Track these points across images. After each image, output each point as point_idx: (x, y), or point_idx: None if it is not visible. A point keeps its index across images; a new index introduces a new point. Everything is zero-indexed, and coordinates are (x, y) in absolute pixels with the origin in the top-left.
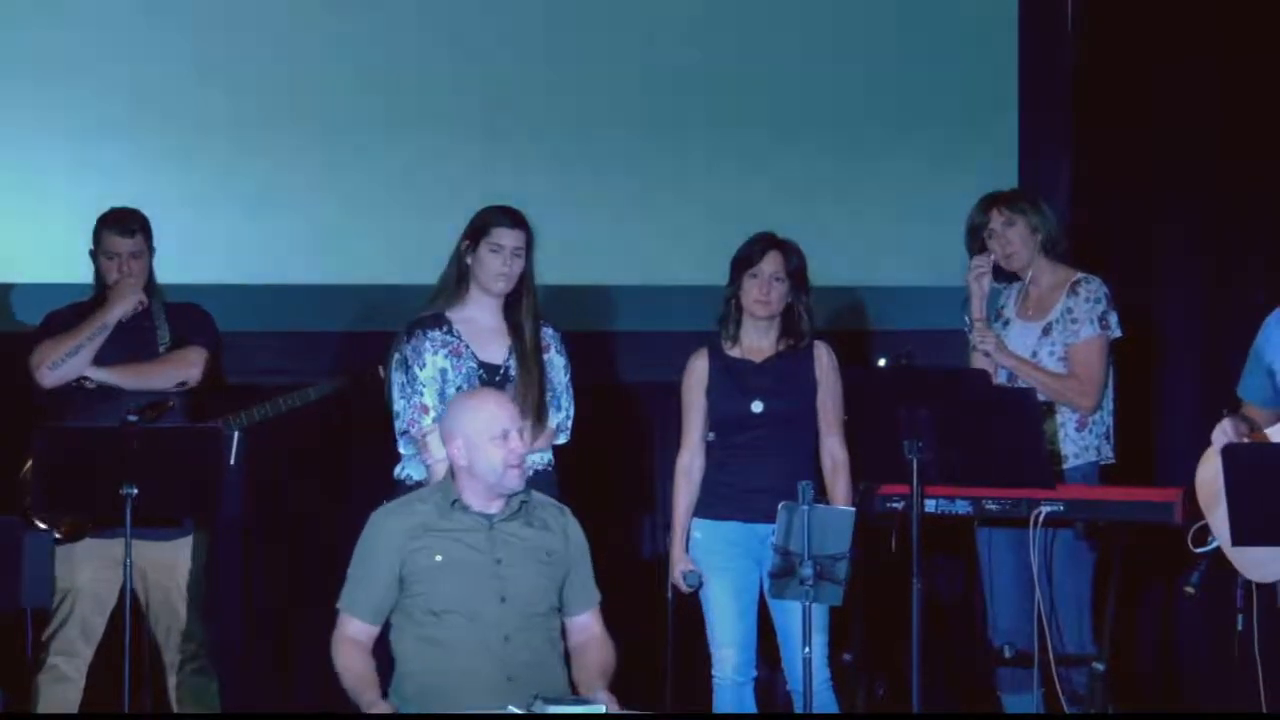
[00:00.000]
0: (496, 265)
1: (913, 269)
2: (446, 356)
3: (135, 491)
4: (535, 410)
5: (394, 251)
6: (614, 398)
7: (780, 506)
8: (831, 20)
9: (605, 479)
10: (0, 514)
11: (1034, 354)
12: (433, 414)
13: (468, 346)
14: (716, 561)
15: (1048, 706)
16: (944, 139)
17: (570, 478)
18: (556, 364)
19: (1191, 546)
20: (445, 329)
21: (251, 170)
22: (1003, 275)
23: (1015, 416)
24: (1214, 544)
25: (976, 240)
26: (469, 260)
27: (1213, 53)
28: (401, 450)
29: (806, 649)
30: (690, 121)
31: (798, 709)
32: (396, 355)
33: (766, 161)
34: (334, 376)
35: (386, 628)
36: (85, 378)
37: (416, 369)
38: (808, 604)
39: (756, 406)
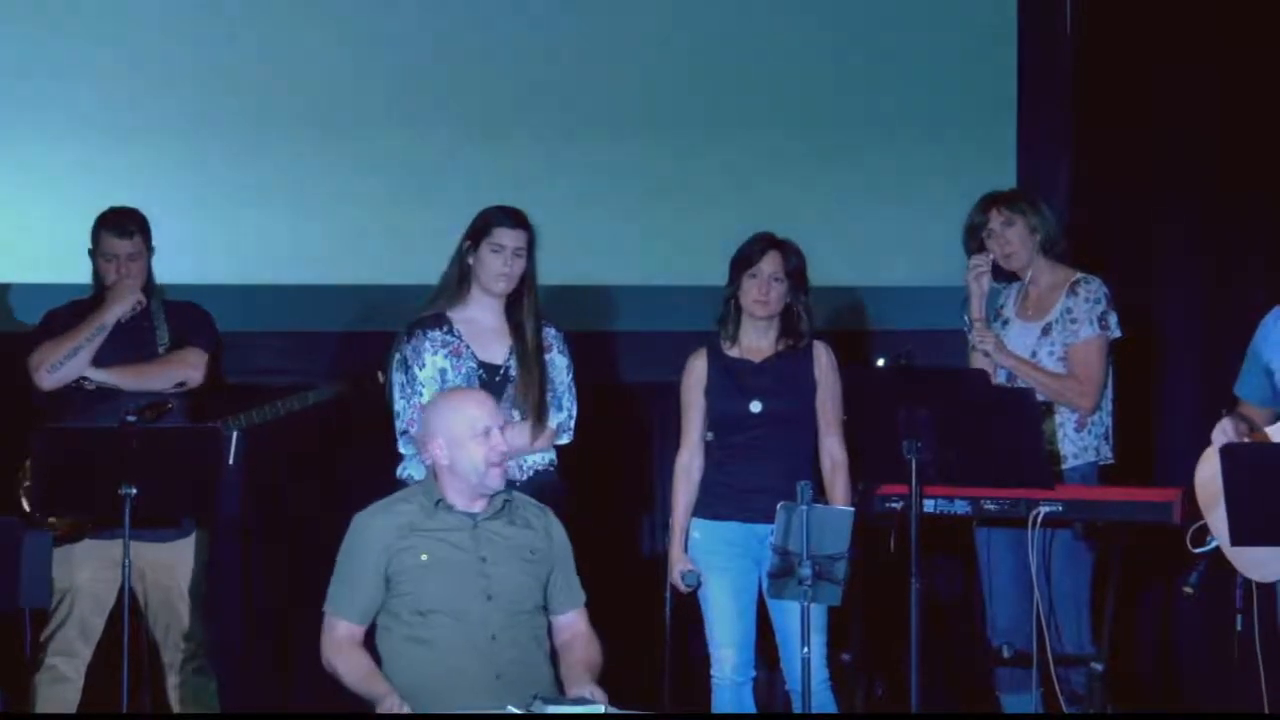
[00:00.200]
0: (497, 265)
1: (912, 269)
2: (446, 356)
3: (134, 492)
4: (535, 410)
5: (394, 252)
6: (615, 398)
7: (779, 506)
8: (831, 21)
9: (606, 479)
10: (0, 514)
11: (1033, 354)
12: None
13: (468, 346)
14: (715, 561)
15: (1046, 707)
16: (943, 139)
17: (571, 477)
18: (558, 364)
19: (1190, 547)
20: (446, 329)
21: (251, 170)
22: (1002, 275)
23: (1014, 416)
24: (1213, 544)
25: (975, 239)
26: (470, 260)
27: (1212, 52)
28: (402, 450)
29: (805, 649)
30: (691, 122)
31: (796, 709)
32: (397, 355)
33: (766, 161)
34: (332, 382)
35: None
36: (84, 378)
37: (416, 369)
38: (806, 604)
39: (755, 406)
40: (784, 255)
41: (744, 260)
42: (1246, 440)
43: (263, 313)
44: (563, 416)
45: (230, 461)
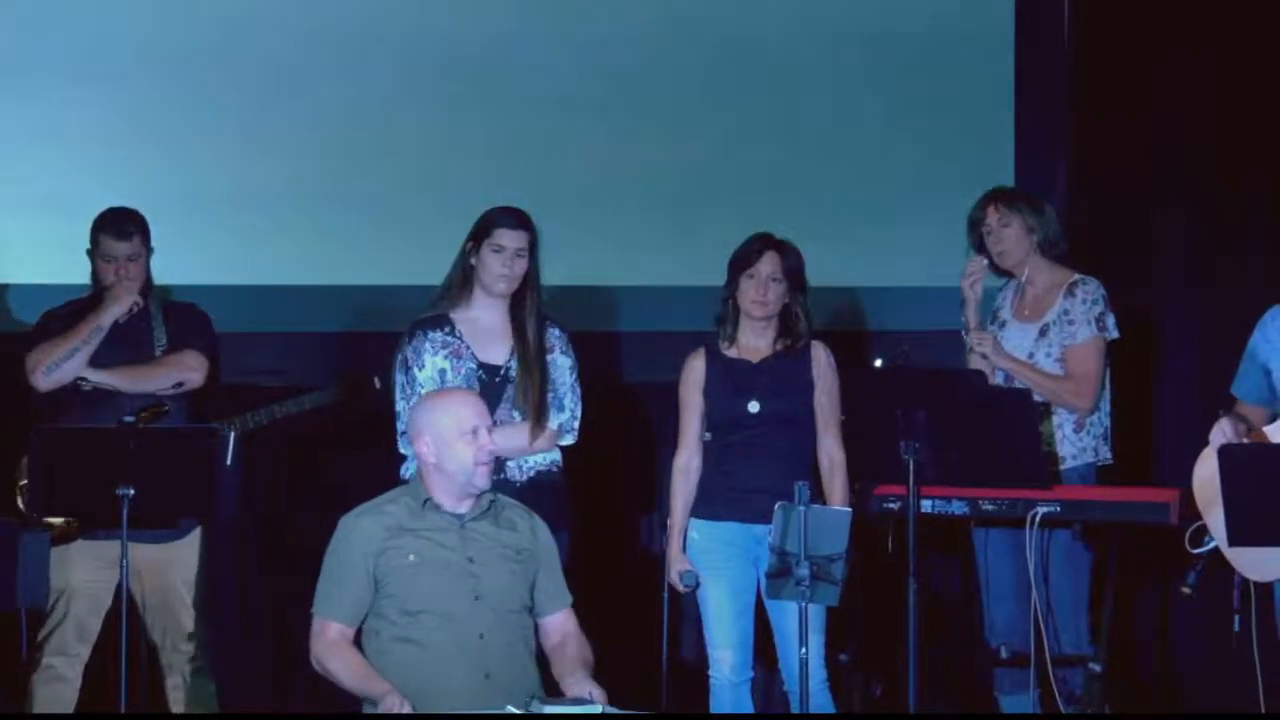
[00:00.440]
0: (498, 266)
1: (910, 269)
2: (446, 357)
3: (132, 493)
4: (535, 411)
5: (394, 252)
6: (616, 398)
7: (777, 507)
8: (830, 22)
9: (608, 479)
10: None
11: (1030, 355)
12: None
13: (468, 347)
14: (713, 562)
15: (1045, 707)
16: (941, 139)
17: (573, 477)
18: (561, 365)
19: (1189, 547)
20: (447, 329)
21: (251, 171)
22: (1003, 271)
23: (1012, 417)
24: (1211, 544)
25: (975, 234)
26: (473, 261)
27: (1211, 52)
28: (403, 451)
29: (803, 649)
30: (691, 122)
31: (794, 709)
32: (399, 356)
33: (766, 162)
34: (329, 386)
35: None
36: (82, 379)
37: (416, 370)
38: (804, 604)
39: (753, 406)
40: (782, 256)
41: (742, 261)
42: (1245, 440)
43: (261, 313)
44: (565, 417)
45: (228, 462)
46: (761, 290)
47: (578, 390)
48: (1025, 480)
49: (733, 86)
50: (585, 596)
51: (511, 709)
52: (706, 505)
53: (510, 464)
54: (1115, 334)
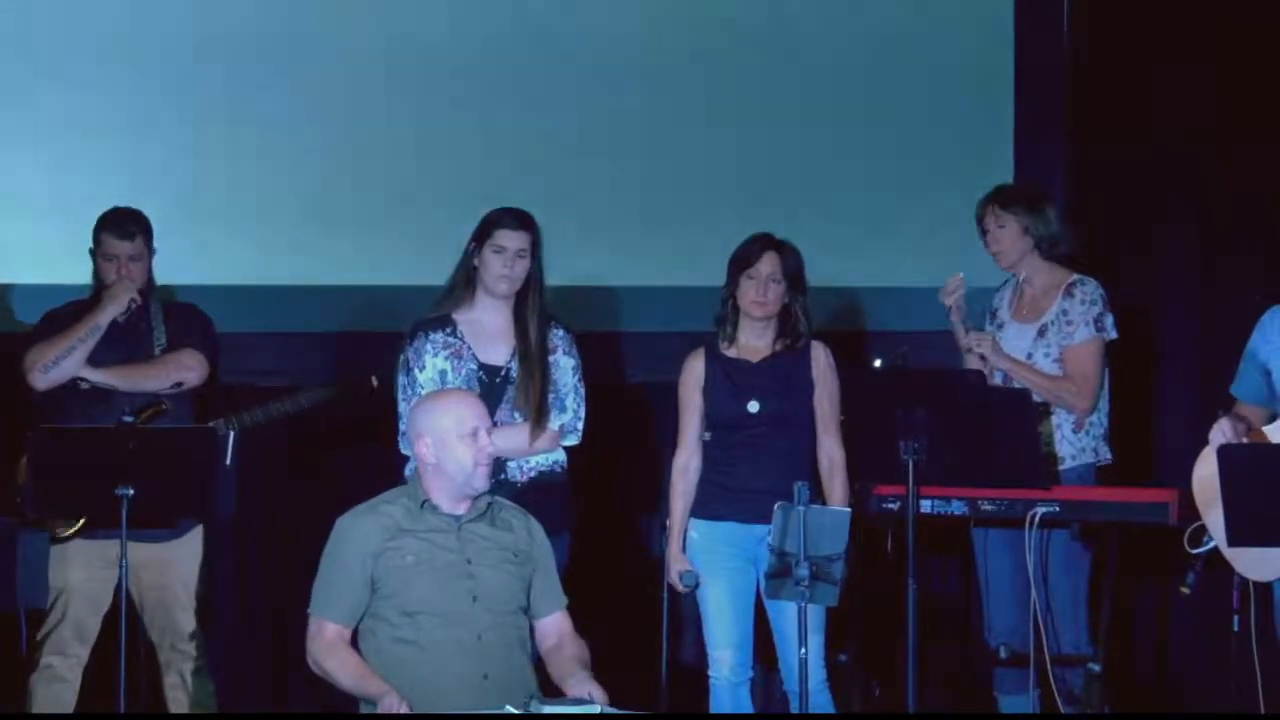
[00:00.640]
0: (498, 267)
1: (909, 270)
2: (447, 358)
3: (131, 493)
4: (535, 411)
5: (394, 252)
6: (619, 398)
7: (776, 507)
8: (829, 22)
9: (610, 479)
10: None
11: (1029, 355)
12: None
13: (469, 348)
14: (713, 562)
15: (1044, 707)
16: (941, 140)
17: (575, 477)
18: (564, 365)
19: (1188, 547)
20: (449, 330)
21: (251, 171)
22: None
23: (1011, 417)
24: (1210, 544)
25: (980, 230)
26: (475, 262)
27: (1210, 53)
28: (405, 452)
29: (803, 649)
30: (691, 123)
31: (794, 709)
32: (401, 357)
33: (765, 162)
34: (327, 384)
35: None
36: (81, 379)
37: (416, 371)
38: (804, 604)
39: (753, 407)
40: (782, 256)
41: (742, 261)
42: (1244, 440)
43: (261, 313)
44: (567, 417)
45: (227, 463)
46: (761, 290)
47: (581, 391)
48: (1024, 480)
49: (733, 87)
50: (586, 596)
51: (510, 709)
52: (706, 505)
53: (511, 464)
54: (1114, 334)
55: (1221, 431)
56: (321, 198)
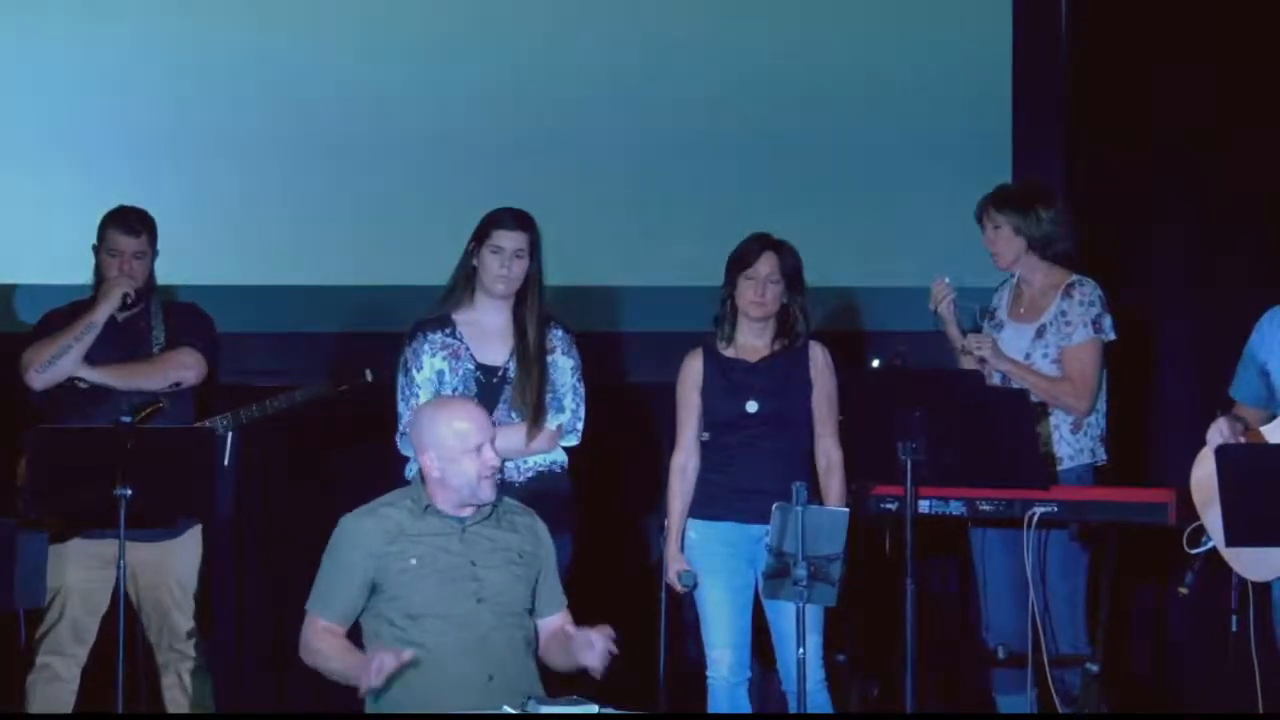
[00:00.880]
0: (495, 267)
1: (908, 270)
2: (445, 358)
3: (130, 493)
4: (533, 411)
5: (394, 252)
6: (618, 398)
7: (775, 507)
8: (828, 22)
9: (610, 479)
10: None
11: (1027, 356)
12: None
13: (467, 348)
14: (711, 562)
15: (1042, 707)
16: (939, 140)
17: (575, 477)
18: (562, 365)
19: (1186, 547)
20: (448, 331)
21: (250, 171)
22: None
23: (1009, 417)
24: (1208, 544)
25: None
26: (474, 262)
27: (1209, 53)
28: (404, 452)
29: (801, 649)
30: (690, 122)
31: (792, 710)
32: (401, 357)
33: (765, 162)
34: (320, 380)
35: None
36: (78, 378)
37: (414, 371)
38: (802, 604)
39: (751, 407)
40: (780, 256)
41: (740, 261)
42: (1242, 440)
43: (260, 313)
44: (565, 417)
45: (225, 463)
46: (759, 290)
47: (580, 391)
48: (1023, 481)
49: (733, 87)
50: (585, 596)
51: (508, 709)
52: (704, 505)
53: (509, 464)
54: (1112, 335)
55: (1219, 431)
56: (321, 198)
